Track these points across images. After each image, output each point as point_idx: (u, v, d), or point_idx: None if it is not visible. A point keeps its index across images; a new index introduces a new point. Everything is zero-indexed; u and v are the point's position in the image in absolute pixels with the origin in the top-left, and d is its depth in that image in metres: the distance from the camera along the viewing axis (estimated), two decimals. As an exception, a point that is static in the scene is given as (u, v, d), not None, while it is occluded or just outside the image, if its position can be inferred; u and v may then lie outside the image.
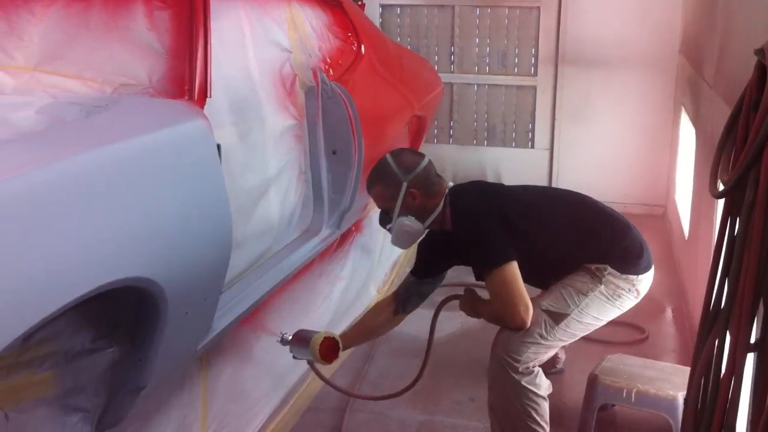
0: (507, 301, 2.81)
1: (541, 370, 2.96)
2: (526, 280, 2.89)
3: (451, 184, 3.12)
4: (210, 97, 2.38)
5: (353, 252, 4.22)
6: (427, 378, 3.79)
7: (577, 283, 2.95)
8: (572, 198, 3.22)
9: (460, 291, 3.18)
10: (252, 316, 2.99)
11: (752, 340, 1.89)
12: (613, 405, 3.41)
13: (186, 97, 2.31)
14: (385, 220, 3.11)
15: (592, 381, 3.25)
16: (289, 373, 3.52)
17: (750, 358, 1.93)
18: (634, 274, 2.99)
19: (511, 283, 2.80)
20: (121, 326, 2.09)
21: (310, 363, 3.22)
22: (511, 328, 2.87)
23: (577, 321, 2.95)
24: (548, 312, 2.92)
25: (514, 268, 2.81)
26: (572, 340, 3.11)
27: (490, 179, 7.10)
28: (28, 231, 1.55)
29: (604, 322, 3.04)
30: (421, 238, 3.18)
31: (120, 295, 1.90)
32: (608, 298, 2.95)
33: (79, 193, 1.71)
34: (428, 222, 3.03)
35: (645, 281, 3.05)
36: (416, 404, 3.57)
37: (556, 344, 3.00)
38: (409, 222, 3.01)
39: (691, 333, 3.87)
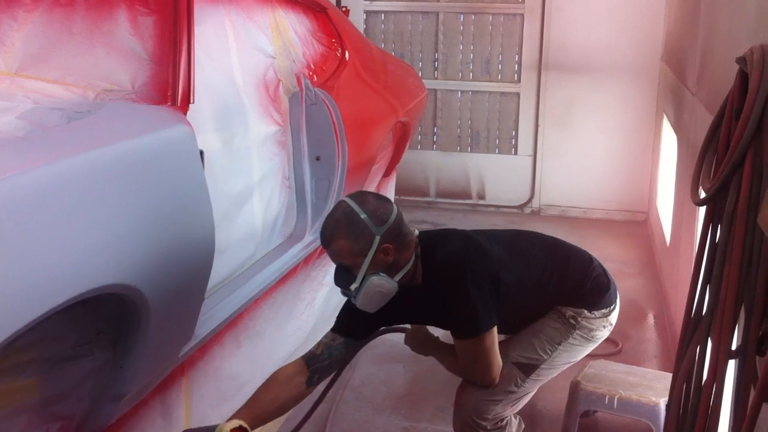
0: (481, 366, 2.66)
1: (510, 416, 2.81)
2: (498, 329, 2.69)
3: (416, 232, 2.71)
4: (193, 102, 2.37)
5: (337, 258, 4.21)
6: (410, 384, 3.80)
7: (549, 330, 2.78)
8: (538, 240, 2.98)
9: None
10: (235, 323, 2.98)
11: (734, 347, 1.90)
12: (596, 411, 3.42)
13: (169, 103, 2.30)
14: (346, 279, 2.54)
15: (575, 387, 3.26)
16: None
17: (731, 365, 1.94)
18: (608, 306, 2.84)
19: (488, 350, 2.62)
20: (104, 333, 2.07)
21: None
22: (477, 385, 2.72)
23: (548, 368, 2.80)
24: (518, 364, 2.74)
25: (493, 334, 2.61)
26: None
27: (474, 185, 7.12)
28: (7, 238, 1.54)
29: (578, 360, 2.93)
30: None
31: (102, 302, 1.89)
32: (581, 342, 2.82)
33: (60, 200, 1.70)
34: (398, 278, 2.56)
35: (616, 310, 2.90)
36: (399, 411, 3.57)
37: (525, 393, 2.82)
38: (382, 280, 2.51)
39: (673, 339, 3.89)
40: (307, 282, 3.81)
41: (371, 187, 4.73)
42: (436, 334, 2.92)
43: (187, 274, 2.22)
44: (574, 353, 2.83)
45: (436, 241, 2.72)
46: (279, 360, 3.60)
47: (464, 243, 2.72)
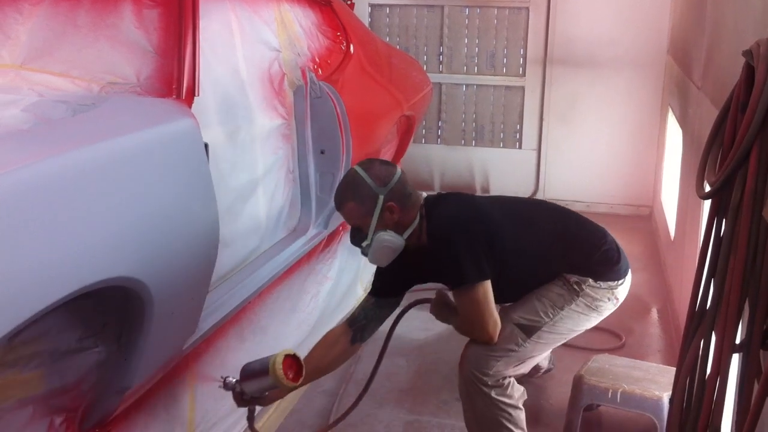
0: (475, 320, 2.79)
1: (513, 379, 2.88)
2: (501, 297, 2.86)
3: (424, 194, 2.96)
4: (198, 96, 2.38)
5: (340, 252, 4.21)
6: (414, 377, 3.81)
7: (552, 295, 2.88)
8: (549, 208, 3.16)
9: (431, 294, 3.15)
10: (239, 316, 2.98)
11: (738, 341, 1.90)
12: (599, 405, 3.42)
13: (174, 96, 2.30)
14: (359, 237, 2.83)
15: (578, 381, 3.26)
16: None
17: (735, 359, 1.94)
18: (615, 279, 2.92)
19: (481, 303, 2.75)
20: (108, 326, 2.08)
21: (250, 420, 2.81)
22: (478, 342, 2.84)
23: (550, 333, 2.89)
24: (519, 325, 2.85)
25: (486, 287, 2.74)
26: (549, 349, 3.06)
27: (478, 179, 7.11)
28: (12, 230, 1.54)
29: (582, 330, 2.99)
30: None
31: (106, 295, 1.89)
32: (585, 311, 2.89)
33: (65, 192, 1.70)
34: (406, 236, 2.81)
35: (624, 286, 2.98)
36: (403, 404, 3.57)
37: (528, 356, 2.91)
38: (390, 237, 2.77)
39: (677, 333, 3.89)
40: (312, 275, 3.82)
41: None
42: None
43: (192, 267, 2.22)
44: (577, 321, 2.90)
45: (438, 203, 2.91)
46: (283, 353, 3.61)
47: (461, 204, 2.92)
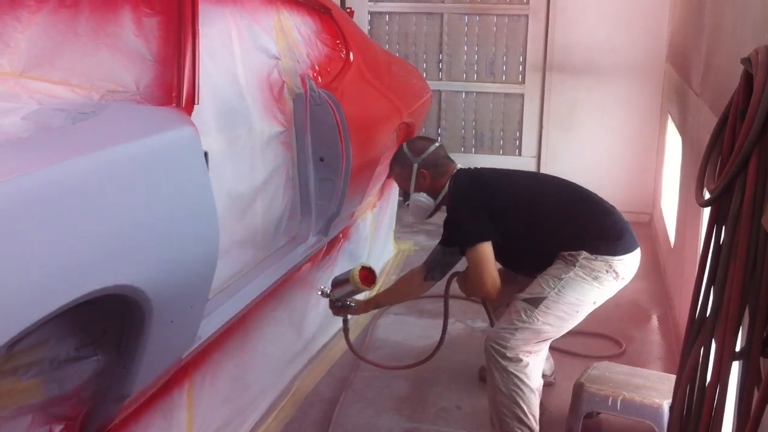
0: (476, 276, 3.21)
1: (533, 365, 3.05)
2: (504, 260, 3.37)
3: (459, 166, 3.49)
4: (198, 104, 2.38)
5: (340, 259, 4.21)
6: (413, 385, 3.80)
7: (552, 270, 3.13)
8: (555, 184, 3.49)
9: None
10: (239, 324, 2.98)
11: (738, 349, 1.90)
12: (599, 413, 3.41)
13: (173, 104, 2.31)
14: (404, 197, 3.61)
15: (578, 388, 3.25)
16: (273, 384, 3.51)
17: (735, 367, 1.94)
18: (611, 254, 3.09)
19: (480, 261, 3.18)
20: (107, 334, 2.08)
21: (345, 330, 3.63)
22: (480, 297, 3.36)
23: (556, 302, 3.06)
24: (525, 300, 3.10)
25: (483, 248, 3.18)
26: (564, 326, 3.12)
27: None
28: (11, 238, 1.54)
29: (590, 303, 3.11)
30: (432, 213, 3.57)
31: (106, 303, 1.89)
32: (585, 279, 3.07)
33: (64, 201, 1.70)
34: (439, 199, 3.46)
35: (624, 264, 3.12)
36: (402, 411, 3.57)
37: (542, 329, 3.06)
38: (422, 198, 3.47)
39: (677, 341, 3.89)
40: (311, 283, 3.82)
41: (374, 190, 4.73)
42: None
43: (191, 276, 2.22)
44: (580, 290, 3.08)
45: (462, 175, 3.44)
46: (283, 362, 3.61)
47: (472, 181, 3.40)
